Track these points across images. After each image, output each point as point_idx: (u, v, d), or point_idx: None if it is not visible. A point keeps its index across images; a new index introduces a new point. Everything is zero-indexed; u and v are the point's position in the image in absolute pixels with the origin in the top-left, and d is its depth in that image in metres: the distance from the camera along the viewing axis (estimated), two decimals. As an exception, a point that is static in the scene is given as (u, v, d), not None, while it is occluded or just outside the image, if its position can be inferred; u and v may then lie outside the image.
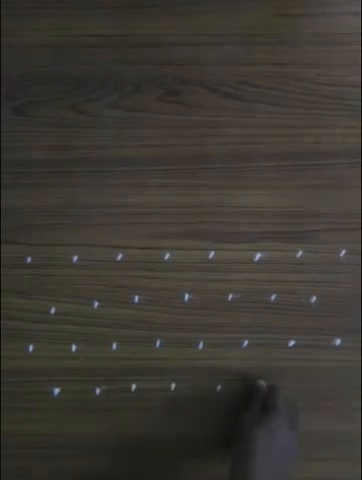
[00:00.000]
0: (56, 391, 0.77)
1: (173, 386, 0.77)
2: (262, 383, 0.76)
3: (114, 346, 0.78)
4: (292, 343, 0.77)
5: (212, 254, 0.77)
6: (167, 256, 0.78)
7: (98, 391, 0.78)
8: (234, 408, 0.77)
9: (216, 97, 0.78)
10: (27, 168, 0.78)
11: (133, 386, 0.78)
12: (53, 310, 0.78)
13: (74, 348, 0.78)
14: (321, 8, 0.77)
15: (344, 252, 0.77)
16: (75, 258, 0.78)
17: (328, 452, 0.78)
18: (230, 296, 0.77)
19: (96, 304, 0.78)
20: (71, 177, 0.78)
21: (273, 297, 0.77)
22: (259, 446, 0.64)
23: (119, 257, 0.78)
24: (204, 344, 0.77)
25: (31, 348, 0.78)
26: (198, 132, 0.78)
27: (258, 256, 0.77)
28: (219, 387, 0.78)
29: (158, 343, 0.78)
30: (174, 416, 0.78)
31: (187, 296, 0.77)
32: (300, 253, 0.77)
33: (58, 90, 0.78)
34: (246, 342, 0.77)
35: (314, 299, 0.77)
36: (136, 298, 0.78)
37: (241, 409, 0.73)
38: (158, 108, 0.78)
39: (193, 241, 0.78)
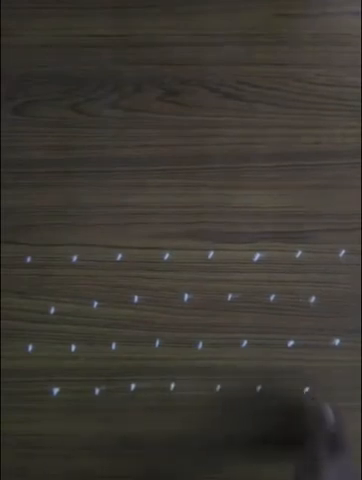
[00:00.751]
0: (55, 391, 0.78)
1: (172, 386, 0.78)
2: (328, 409, 0.74)
3: (114, 346, 0.78)
4: (291, 343, 0.77)
5: (212, 254, 0.77)
6: (167, 256, 0.78)
7: (97, 391, 0.78)
8: (234, 408, 0.77)
9: (216, 97, 0.78)
10: (27, 168, 0.78)
11: (132, 386, 0.78)
12: (53, 310, 0.78)
13: (74, 348, 0.78)
14: (321, 8, 0.77)
15: (343, 252, 0.77)
16: (75, 258, 0.78)
17: (328, 452, 0.78)
18: (230, 296, 0.77)
19: (96, 304, 0.78)
20: (71, 177, 0.78)
21: (272, 297, 0.77)
22: None
23: (119, 257, 0.78)
24: (204, 344, 0.77)
25: (31, 348, 0.78)
26: (198, 132, 0.78)
27: (258, 256, 0.77)
28: (218, 387, 0.78)
29: (158, 343, 0.78)
30: (173, 416, 0.78)
31: (187, 296, 0.77)
32: (300, 253, 0.77)
33: (58, 90, 0.78)
34: (245, 342, 0.77)
35: (313, 299, 0.77)
36: (136, 298, 0.78)
37: (307, 435, 0.71)
38: (158, 108, 0.78)
39: (193, 241, 0.78)
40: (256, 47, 0.77)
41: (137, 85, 0.78)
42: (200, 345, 0.77)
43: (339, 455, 0.66)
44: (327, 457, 0.65)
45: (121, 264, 0.78)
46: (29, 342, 0.78)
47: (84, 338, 0.78)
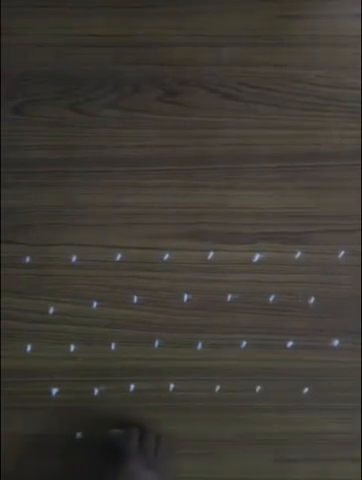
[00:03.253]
0: (54, 391, 0.77)
1: (172, 386, 0.77)
2: (116, 431, 0.75)
3: (113, 346, 0.78)
4: (290, 344, 0.77)
5: (211, 255, 0.78)
6: (166, 256, 0.78)
7: (97, 391, 0.78)
8: (233, 408, 0.78)
9: (215, 98, 0.78)
10: (26, 167, 0.78)
11: (132, 386, 0.78)
12: (52, 310, 0.78)
13: (73, 348, 0.78)
14: (321, 10, 0.77)
15: (343, 253, 0.77)
16: (74, 258, 0.78)
17: (328, 452, 0.78)
18: (229, 297, 0.77)
19: (95, 304, 0.78)
20: (70, 177, 0.78)
21: (272, 298, 0.77)
22: None
23: (118, 257, 0.78)
24: (203, 344, 0.77)
25: (30, 348, 0.78)
26: (197, 133, 0.78)
27: (257, 257, 0.77)
28: (217, 387, 0.78)
29: (157, 343, 0.78)
30: (173, 416, 0.78)
31: (186, 296, 0.77)
32: (299, 254, 0.77)
33: (57, 90, 0.78)
34: (245, 343, 0.77)
35: (313, 300, 0.77)
36: (135, 298, 0.78)
37: (97, 461, 0.73)
38: (157, 108, 0.78)
39: (192, 242, 0.78)
40: (256, 48, 0.78)
41: (136, 85, 0.78)
42: (199, 345, 0.77)
43: (123, 467, 0.69)
44: (113, 470, 0.69)
45: (120, 264, 0.78)
46: (28, 342, 0.78)
47: (83, 338, 0.78)
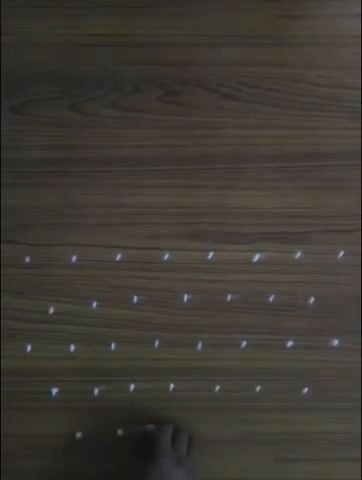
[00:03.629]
0: (54, 391, 0.77)
1: (171, 386, 0.78)
2: (151, 426, 0.76)
3: (113, 346, 0.77)
4: (290, 344, 0.77)
5: (211, 255, 0.78)
6: (166, 256, 0.78)
7: (96, 391, 0.78)
8: (233, 408, 0.78)
9: (215, 98, 0.78)
10: (26, 167, 0.78)
11: (132, 386, 0.78)
12: (52, 310, 0.78)
13: (73, 348, 0.78)
14: (321, 10, 0.77)
15: (343, 253, 0.77)
16: (74, 258, 0.78)
17: (328, 452, 0.78)
18: (229, 297, 0.77)
19: (95, 304, 0.78)
20: (70, 177, 0.78)
21: (272, 298, 0.77)
22: None
23: (118, 257, 0.78)
24: (203, 345, 0.77)
25: (29, 348, 0.78)
26: (197, 133, 0.78)
27: (257, 257, 0.77)
28: (217, 387, 0.78)
29: (157, 343, 0.78)
30: (172, 416, 0.78)
31: (186, 297, 0.77)
32: (299, 254, 0.77)
33: (57, 89, 0.78)
34: (244, 343, 0.77)
35: (312, 300, 0.77)
36: (135, 298, 0.78)
37: (128, 456, 0.74)
38: (157, 108, 0.78)
39: (192, 242, 0.78)
40: (256, 48, 0.78)
41: (136, 85, 0.78)
42: (199, 345, 0.77)
43: (155, 463, 0.69)
44: (146, 467, 0.69)
45: (120, 264, 0.78)
46: (28, 342, 0.78)
47: (83, 338, 0.78)
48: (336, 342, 0.77)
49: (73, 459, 0.77)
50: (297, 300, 0.78)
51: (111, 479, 0.77)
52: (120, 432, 0.77)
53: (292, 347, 0.77)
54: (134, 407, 0.78)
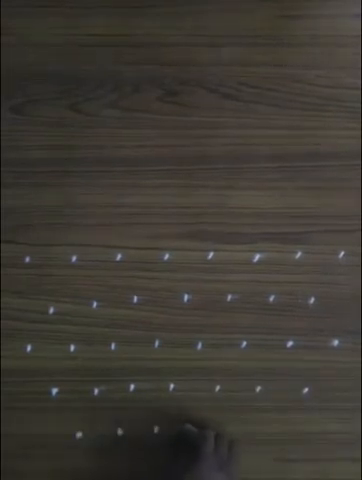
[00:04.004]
0: (54, 391, 0.77)
1: (171, 386, 0.77)
2: (190, 427, 0.75)
3: (113, 346, 0.77)
4: (290, 344, 0.77)
5: (211, 255, 0.78)
6: (166, 256, 0.78)
7: (97, 391, 0.78)
8: (233, 408, 0.78)
9: (215, 98, 0.78)
10: (26, 167, 0.78)
11: (132, 386, 0.78)
12: (52, 310, 0.78)
13: (73, 348, 0.78)
14: (321, 10, 0.78)
15: (343, 253, 0.77)
16: (74, 258, 0.78)
17: (328, 452, 0.78)
18: (229, 297, 0.77)
19: (95, 304, 0.78)
20: (70, 177, 0.78)
21: (272, 298, 0.77)
22: None
23: (118, 257, 0.78)
24: (203, 345, 0.77)
25: (29, 348, 0.78)
26: (197, 133, 0.78)
27: (257, 257, 0.77)
28: (217, 387, 0.78)
29: (157, 343, 0.78)
30: (172, 416, 0.78)
31: (186, 297, 0.77)
32: (299, 254, 0.77)
33: (57, 90, 0.78)
34: (245, 343, 0.77)
35: (313, 300, 0.77)
36: (135, 298, 0.77)
37: (169, 456, 0.74)
38: (157, 108, 0.78)
39: (192, 242, 0.78)
40: (256, 48, 0.78)
41: (136, 85, 0.78)
42: (199, 345, 0.77)
43: (198, 465, 0.68)
44: (187, 469, 0.68)
45: (120, 264, 0.78)
46: (28, 342, 0.78)
47: (83, 338, 0.78)
48: (336, 342, 0.77)
49: (73, 459, 0.78)
50: (297, 300, 0.78)
51: (112, 479, 0.77)
52: (120, 432, 0.78)
53: (292, 347, 0.77)
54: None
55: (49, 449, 0.77)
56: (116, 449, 0.78)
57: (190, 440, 0.73)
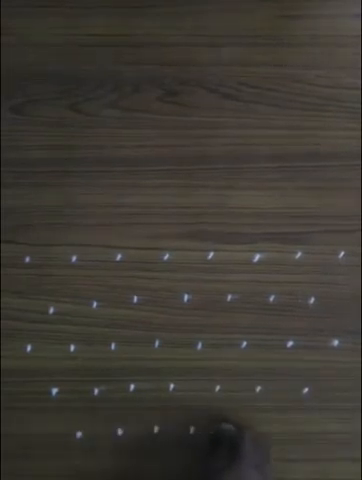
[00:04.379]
0: (54, 391, 0.77)
1: (172, 386, 0.78)
2: (228, 426, 0.76)
3: (113, 346, 0.78)
4: (290, 344, 0.77)
5: (211, 255, 0.78)
6: (166, 256, 0.78)
7: (97, 391, 0.78)
8: (232, 409, 0.78)
9: (215, 98, 0.78)
10: (26, 167, 0.78)
11: (132, 386, 0.78)
12: (52, 310, 0.78)
13: (73, 348, 0.78)
14: (321, 10, 0.77)
15: (343, 253, 0.77)
16: (74, 258, 0.78)
17: (328, 452, 0.78)
18: (229, 297, 0.77)
19: (95, 304, 0.78)
20: (70, 177, 0.78)
21: (272, 298, 0.77)
22: None
23: (118, 257, 0.78)
24: (203, 345, 0.77)
25: (29, 348, 0.78)
26: (197, 133, 0.78)
27: (257, 257, 0.77)
28: (217, 387, 0.78)
29: (157, 343, 0.78)
30: (172, 416, 0.78)
31: (186, 297, 0.77)
32: (299, 254, 0.77)
33: (57, 90, 0.78)
34: (245, 343, 0.77)
35: (313, 300, 0.77)
36: (135, 298, 0.78)
37: (208, 455, 0.73)
38: (157, 108, 0.78)
39: (192, 242, 0.78)
40: (256, 48, 0.78)
41: (136, 85, 0.78)
42: (199, 345, 0.77)
43: (236, 465, 0.68)
44: (224, 468, 0.68)
45: (120, 264, 0.78)
46: (28, 342, 0.78)
47: (83, 338, 0.78)
48: (336, 342, 0.77)
49: (73, 459, 0.78)
50: (297, 300, 0.78)
51: (113, 479, 0.78)
52: (120, 432, 0.78)
53: (292, 347, 0.77)
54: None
55: (49, 449, 0.78)
56: (116, 449, 0.78)
57: (228, 439, 0.73)
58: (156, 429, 0.78)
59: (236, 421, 0.77)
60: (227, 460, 0.69)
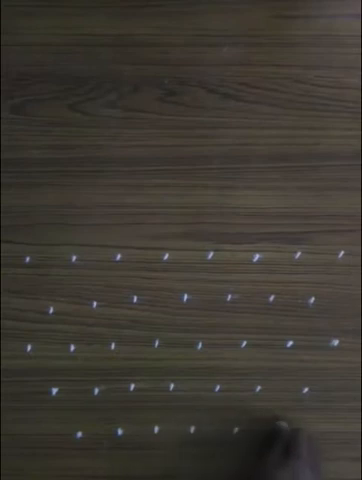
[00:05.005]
0: (54, 391, 0.77)
1: (172, 386, 0.77)
2: (284, 424, 0.76)
3: (113, 346, 0.77)
4: (290, 344, 0.77)
5: (211, 255, 0.78)
6: (166, 256, 0.78)
7: (96, 391, 0.78)
8: (232, 409, 0.78)
9: (215, 98, 0.78)
10: (26, 167, 0.78)
11: (131, 386, 0.78)
12: (51, 310, 0.78)
13: (72, 348, 0.78)
14: (321, 10, 0.77)
15: (343, 253, 0.77)
16: (74, 258, 0.78)
17: (328, 452, 0.78)
18: (229, 297, 0.77)
19: (95, 304, 0.78)
20: (70, 177, 0.78)
21: (272, 298, 0.77)
22: None
23: (118, 257, 0.78)
24: (203, 344, 0.77)
25: (29, 348, 0.78)
26: (197, 133, 0.78)
27: (257, 257, 0.77)
28: (217, 387, 0.78)
29: (157, 343, 0.78)
30: (172, 416, 0.78)
31: (186, 296, 0.77)
32: (299, 254, 0.77)
33: (56, 89, 0.78)
34: (245, 343, 0.77)
35: (313, 300, 0.77)
36: (135, 298, 0.77)
37: (262, 450, 0.73)
38: (157, 108, 0.78)
39: (192, 241, 0.78)
40: (256, 48, 0.78)
41: (136, 85, 0.78)
42: (199, 345, 0.77)
43: (292, 463, 0.68)
44: (280, 465, 0.68)
45: (120, 264, 0.78)
46: (28, 342, 0.78)
47: (83, 338, 0.78)
48: (336, 342, 0.77)
49: (73, 459, 0.78)
50: (297, 300, 0.78)
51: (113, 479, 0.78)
52: (120, 432, 0.78)
53: (292, 347, 0.77)
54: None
55: (49, 449, 0.78)
56: (116, 449, 0.78)
57: (284, 437, 0.73)
58: (156, 429, 0.78)
59: (289, 420, 0.77)
60: (281, 458, 0.69)
